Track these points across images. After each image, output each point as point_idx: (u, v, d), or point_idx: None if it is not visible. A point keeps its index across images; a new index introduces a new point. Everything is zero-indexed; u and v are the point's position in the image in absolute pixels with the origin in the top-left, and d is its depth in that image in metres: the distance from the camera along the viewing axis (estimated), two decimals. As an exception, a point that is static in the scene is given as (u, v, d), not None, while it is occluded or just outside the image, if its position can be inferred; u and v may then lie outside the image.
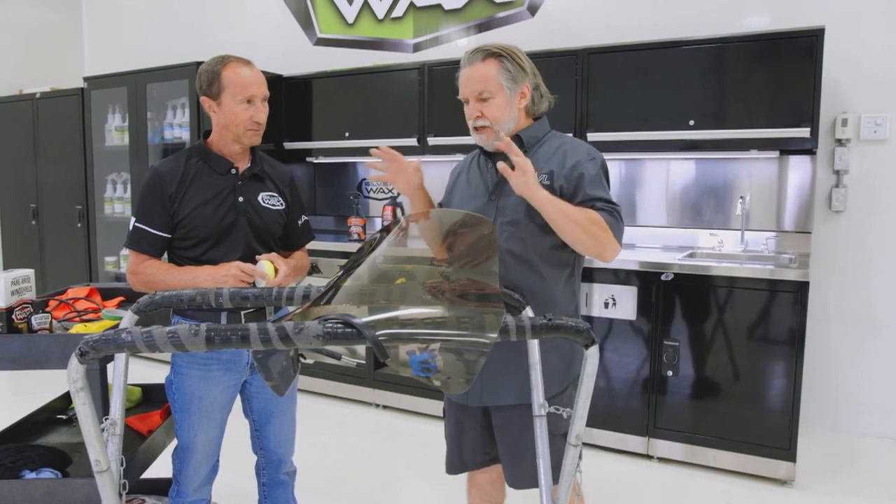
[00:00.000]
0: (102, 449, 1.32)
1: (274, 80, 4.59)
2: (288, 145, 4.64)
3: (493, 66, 1.77)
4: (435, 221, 1.78)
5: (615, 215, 1.73)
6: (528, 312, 1.74)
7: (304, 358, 1.44)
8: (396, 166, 1.88)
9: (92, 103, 5.05)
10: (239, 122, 1.91)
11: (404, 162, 1.88)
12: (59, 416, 2.42)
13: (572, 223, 1.68)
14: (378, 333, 1.24)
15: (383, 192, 4.65)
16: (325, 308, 1.45)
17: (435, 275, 1.65)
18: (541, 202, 1.66)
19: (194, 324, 1.21)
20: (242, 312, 1.94)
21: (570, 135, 3.48)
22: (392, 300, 1.59)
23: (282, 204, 2.07)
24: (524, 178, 1.63)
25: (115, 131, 4.99)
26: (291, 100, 4.62)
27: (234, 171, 1.98)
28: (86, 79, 5.10)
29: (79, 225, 5.23)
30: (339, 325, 1.25)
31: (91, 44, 6.23)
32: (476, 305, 1.42)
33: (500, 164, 1.66)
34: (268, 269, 1.90)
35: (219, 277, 1.85)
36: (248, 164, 2.02)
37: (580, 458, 1.95)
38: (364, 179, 4.74)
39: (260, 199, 2.02)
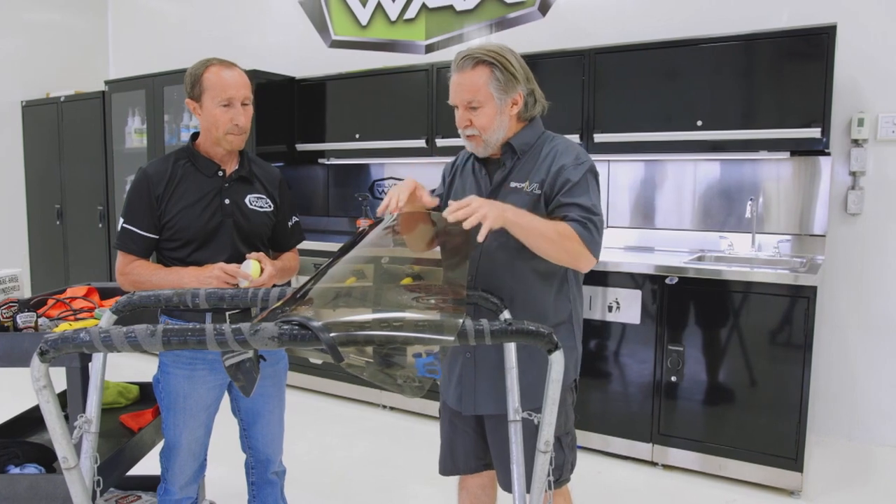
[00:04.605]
0: (69, 445, 1.34)
1: (287, 83, 4.64)
2: (300, 147, 4.68)
3: (483, 74, 1.71)
4: (425, 223, 1.76)
5: (589, 227, 1.65)
6: (506, 315, 1.72)
7: (261, 358, 1.44)
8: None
9: (112, 106, 5.16)
10: (219, 124, 1.92)
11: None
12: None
13: (540, 238, 1.63)
14: (333, 335, 1.24)
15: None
16: (296, 308, 1.45)
17: (412, 276, 1.64)
18: (508, 225, 1.60)
19: (165, 323, 1.22)
20: (227, 313, 1.96)
21: (578, 137, 3.55)
22: (367, 300, 1.59)
23: (270, 206, 2.08)
24: (496, 214, 1.55)
25: (134, 133, 5.09)
26: (304, 102, 4.65)
27: (220, 173, 2.00)
28: (107, 82, 5.21)
29: (100, 225, 5.34)
30: (295, 327, 1.25)
31: (116, 48, 6.37)
32: (439, 308, 1.41)
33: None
34: (253, 268, 1.91)
35: (203, 278, 1.87)
36: (236, 167, 2.03)
37: (573, 463, 1.95)
38: (376, 181, 4.75)
39: (247, 201, 2.03)
